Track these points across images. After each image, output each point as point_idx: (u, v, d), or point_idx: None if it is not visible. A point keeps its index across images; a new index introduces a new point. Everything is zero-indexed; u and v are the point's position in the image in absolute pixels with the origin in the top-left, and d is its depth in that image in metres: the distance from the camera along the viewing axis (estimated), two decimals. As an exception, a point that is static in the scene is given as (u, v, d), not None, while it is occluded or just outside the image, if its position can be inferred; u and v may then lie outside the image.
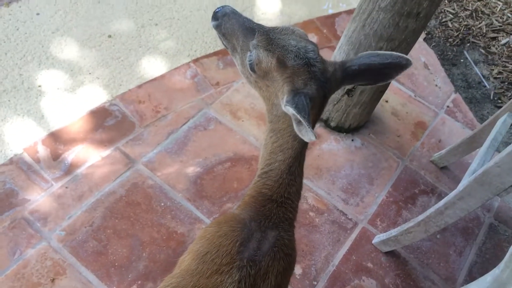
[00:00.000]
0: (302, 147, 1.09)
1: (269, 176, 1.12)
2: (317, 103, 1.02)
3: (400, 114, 2.43)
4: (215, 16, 1.09)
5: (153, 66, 2.30)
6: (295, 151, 1.08)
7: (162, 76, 2.29)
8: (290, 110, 0.93)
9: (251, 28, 1.04)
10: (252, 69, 1.04)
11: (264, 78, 1.04)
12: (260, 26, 1.05)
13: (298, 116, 0.90)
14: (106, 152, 1.96)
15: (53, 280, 1.58)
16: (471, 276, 1.86)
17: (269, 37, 1.02)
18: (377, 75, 1.07)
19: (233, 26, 1.07)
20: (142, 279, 1.64)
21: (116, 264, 1.66)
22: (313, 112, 1.03)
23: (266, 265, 1.01)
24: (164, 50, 2.38)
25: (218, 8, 1.10)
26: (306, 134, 0.92)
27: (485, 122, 1.99)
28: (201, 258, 1.02)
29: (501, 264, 0.81)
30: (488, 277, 0.87)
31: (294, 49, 0.99)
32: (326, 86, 1.02)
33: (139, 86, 2.22)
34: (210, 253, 1.02)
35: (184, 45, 2.43)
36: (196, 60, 2.39)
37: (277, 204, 1.11)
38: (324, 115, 2.25)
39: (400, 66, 1.04)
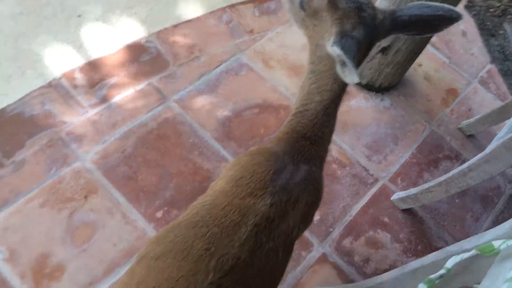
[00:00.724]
0: (340, 90, 1.11)
1: (304, 116, 1.14)
2: (362, 48, 1.03)
3: (432, 79, 2.41)
4: None
5: (190, 7, 2.31)
6: (333, 93, 1.10)
7: (198, 18, 2.29)
8: (336, 51, 0.93)
9: None
10: (302, 7, 1.04)
11: (313, 17, 1.04)
12: None
13: (344, 57, 0.90)
14: (140, 86, 2.00)
15: (85, 197, 1.67)
16: (485, 240, 1.90)
17: None
18: (425, 26, 1.06)
19: None
20: (169, 206, 1.72)
21: (145, 189, 1.74)
22: (357, 57, 1.04)
23: (296, 194, 1.06)
24: (203, -8, 2.38)
25: None
26: (350, 75, 0.93)
27: (519, 93, 1.97)
28: (235, 182, 1.06)
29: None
30: (507, 224, 0.90)
31: None
32: (374, 32, 1.02)
33: (175, 26, 2.24)
34: (245, 178, 1.06)
35: (223, -12, 2.42)
36: (232, 6, 2.39)
37: (311, 142, 1.14)
38: (356, 72, 2.24)
39: (450, 19, 1.04)
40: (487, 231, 0.98)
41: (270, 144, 1.20)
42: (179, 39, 2.20)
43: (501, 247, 0.85)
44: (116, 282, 1.50)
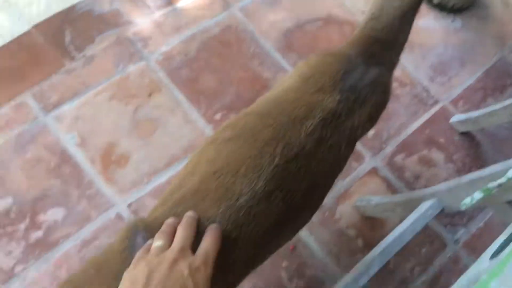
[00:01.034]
0: None
1: (380, 21, 1.12)
2: None
3: (510, 3, 2.24)
4: None
5: None
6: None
7: None
8: None
9: None
10: None
11: None
12: None
13: None
14: (204, -9, 2.00)
15: (149, 95, 1.75)
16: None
17: None
18: None
19: None
20: (227, 109, 1.78)
21: (205, 92, 1.80)
22: None
23: (365, 94, 1.06)
24: None
25: None
26: None
27: None
28: (304, 80, 1.07)
29: None
30: None
31: None
32: None
33: None
34: (314, 76, 1.07)
35: None
36: None
37: (384, 46, 1.13)
38: (428, -11, 2.13)
39: None
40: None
41: (342, 47, 1.20)
42: None
43: None
44: (176, 174, 1.61)
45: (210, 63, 1.86)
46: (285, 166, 0.92)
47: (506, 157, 1.84)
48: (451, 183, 1.26)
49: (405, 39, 1.16)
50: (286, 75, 1.17)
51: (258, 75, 1.88)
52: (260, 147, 0.93)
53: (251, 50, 1.93)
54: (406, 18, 1.10)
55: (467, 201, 1.10)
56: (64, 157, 1.63)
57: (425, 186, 1.75)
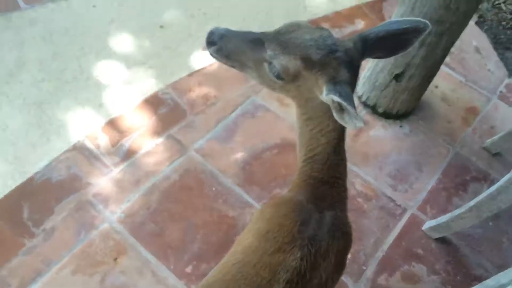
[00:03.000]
0: (343, 127, 1.09)
1: (316, 160, 1.14)
2: (353, 83, 1.00)
3: (450, 100, 2.38)
4: (211, 41, 1.03)
5: (202, 56, 2.36)
6: (337, 132, 1.09)
7: (211, 65, 2.34)
8: (335, 99, 0.91)
9: (256, 39, 1.01)
10: (280, 78, 1.01)
11: (294, 81, 1.01)
12: (264, 35, 1.02)
13: (345, 104, 0.88)
14: (160, 139, 2.04)
15: (115, 259, 1.69)
16: (525, 264, 1.83)
17: (281, 41, 0.98)
18: (396, 42, 1.04)
19: (236, 44, 1.03)
20: (197, 260, 1.72)
21: (172, 245, 1.75)
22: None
23: (326, 244, 1.05)
24: (213, 39, 2.43)
25: (210, 32, 1.04)
26: (350, 121, 0.90)
27: (542, 108, 1.93)
28: (263, 236, 1.06)
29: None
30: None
31: (313, 43, 0.96)
32: (353, 64, 1.00)
33: (190, 75, 2.29)
34: (272, 231, 1.05)
35: (232, 34, 2.47)
36: (243, 49, 2.43)
37: (330, 185, 1.14)
38: (371, 101, 2.24)
39: (418, 30, 1.00)
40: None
41: (291, 193, 1.20)
42: (194, 87, 2.25)
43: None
44: None
45: (173, 212, 1.84)
46: None
47: (486, 258, 1.82)
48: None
49: (345, 168, 1.18)
50: (245, 229, 1.15)
51: (224, 215, 1.86)
52: None
53: (213, 190, 1.92)
54: (338, 150, 1.12)
55: None
56: None
57: (413, 306, 1.69)
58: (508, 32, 2.72)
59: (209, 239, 1.78)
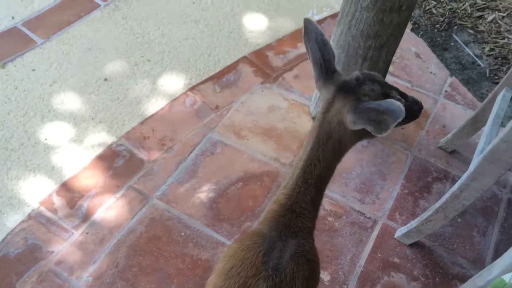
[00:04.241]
0: (312, 159, 1.12)
1: (286, 186, 1.16)
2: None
3: (400, 107, 2.44)
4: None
5: (152, 101, 2.35)
6: (306, 161, 1.12)
7: (162, 109, 2.33)
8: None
9: None
10: None
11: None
12: None
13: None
14: (119, 192, 1.99)
15: (88, 327, 1.60)
16: (498, 254, 1.85)
17: None
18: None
19: None
20: (175, 311, 1.66)
21: (147, 300, 1.68)
22: None
23: (291, 271, 1.04)
24: (160, 84, 2.43)
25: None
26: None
27: (485, 101, 2.00)
28: (226, 274, 1.04)
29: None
30: (511, 253, 0.88)
31: None
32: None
33: (142, 123, 2.26)
34: (235, 267, 1.04)
35: (179, 75, 2.47)
36: (192, 88, 2.44)
37: (296, 214, 1.14)
38: (326, 120, 2.27)
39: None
40: (495, 263, 0.96)
41: (259, 225, 1.18)
42: (149, 134, 2.22)
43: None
44: None
45: (144, 265, 1.77)
46: None
47: (460, 255, 1.84)
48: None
49: (315, 200, 1.17)
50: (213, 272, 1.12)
51: (197, 258, 1.81)
52: None
53: (182, 235, 1.87)
54: (307, 178, 1.13)
55: None
56: None
57: (400, 317, 1.67)
58: (443, 33, 2.84)
59: (185, 287, 1.72)
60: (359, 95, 1.06)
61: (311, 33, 1.13)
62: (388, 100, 0.97)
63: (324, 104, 1.12)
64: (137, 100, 2.35)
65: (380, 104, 0.97)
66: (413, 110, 1.20)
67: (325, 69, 1.13)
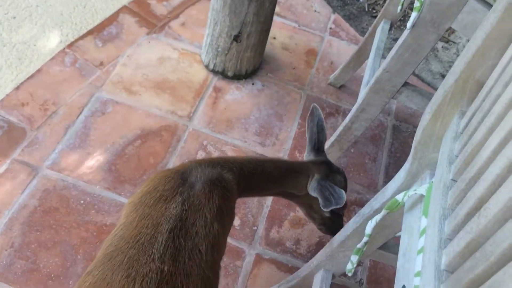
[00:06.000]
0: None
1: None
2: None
3: (290, 47, 2.48)
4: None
5: (25, 64, 2.11)
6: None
7: (39, 71, 2.11)
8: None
9: None
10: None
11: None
12: None
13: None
14: (2, 167, 1.80)
15: (-12, 315, 1.47)
16: (389, 177, 2.03)
17: None
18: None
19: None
20: (85, 281, 1.58)
21: (53, 275, 1.58)
22: None
23: (209, 188, 1.06)
24: (32, 43, 2.18)
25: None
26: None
27: (366, 34, 2.10)
28: (143, 194, 1.04)
29: (409, 158, 0.89)
30: (401, 173, 0.95)
31: None
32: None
33: (17, 88, 2.04)
34: (152, 186, 1.04)
35: (52, 32, 2.24)
36: (70, 45, 2.23)
37: (221, 167, 1.17)
38: (219, 67, 2.23)
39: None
40: (388, 186, 1.02)
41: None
42: (27, 100, 2.01)
43: (404, 199, 0.89)
44: None
45: (43, 240, 1.65)
46: None
47: (356, 182, 1.97)
48: (327, 249, 1.27)
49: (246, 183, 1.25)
50: None
51: (101, 225, 1.73)
52: None
53: (81, 203, 1.77)
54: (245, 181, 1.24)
55: (349, 267, 1.11)
56: None
57: (308, 247, 1.77)
58: (322, -28, 2.89)
59: (93, 255, 1.65)
60: (330, 177, 1.35)
61: (315, 117, 1.46)
62: (342, 190, 1.27)
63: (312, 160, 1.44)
64: (7, 63, 2.09)
65: (336, 189, 1.27)
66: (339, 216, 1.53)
67: (317, 148, 1.44)
